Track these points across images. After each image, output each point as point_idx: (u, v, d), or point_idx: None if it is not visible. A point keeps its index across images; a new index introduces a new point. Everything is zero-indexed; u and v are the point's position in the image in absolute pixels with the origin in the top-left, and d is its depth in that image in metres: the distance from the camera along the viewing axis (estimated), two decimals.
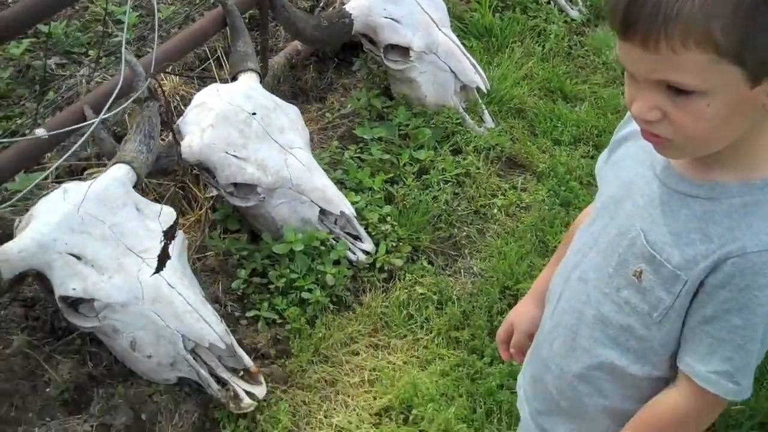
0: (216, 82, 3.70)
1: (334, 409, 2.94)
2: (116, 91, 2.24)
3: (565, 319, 1.69)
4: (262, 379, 2.81)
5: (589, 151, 4.23)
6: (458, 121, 4.14)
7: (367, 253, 3.40)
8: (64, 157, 2.24)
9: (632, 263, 1.48)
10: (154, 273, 2.54)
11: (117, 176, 2.74)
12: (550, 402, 1.81)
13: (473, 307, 3.30)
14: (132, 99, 2.51)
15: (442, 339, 3.20)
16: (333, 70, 4.58)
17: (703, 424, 1.56)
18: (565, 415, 1.79)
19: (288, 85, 4.31)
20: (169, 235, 2.58)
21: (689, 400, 1.50)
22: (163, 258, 2.49)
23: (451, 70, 4.15)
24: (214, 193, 3.48)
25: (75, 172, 3.47)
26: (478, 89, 4.28)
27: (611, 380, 1.63)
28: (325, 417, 2.90)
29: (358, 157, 3.88)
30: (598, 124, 4.38)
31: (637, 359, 1.56)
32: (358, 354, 3.13)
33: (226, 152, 3.16)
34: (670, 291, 1.42)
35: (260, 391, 2.78)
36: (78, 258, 2.57)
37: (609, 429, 1.70)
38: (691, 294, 1.42)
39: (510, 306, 3.33)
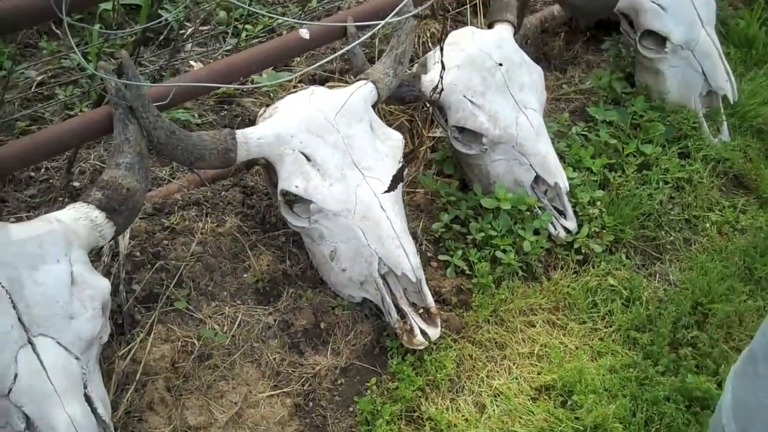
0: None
1: (497, 371, 2.94)
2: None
3: None
4: (438, 321, 2.84)
5: None
6: (695, 125, 3.97)
7: (568, 231, 3.35)
8: (318, 64, 2.30)
9: None
10: (386, 192, 2.61)
11: (362, 92, 2.81)
12: None
13: (660, 313, 3.19)
14: (412, 13, 2.52)
15: (620, 336, 3.13)
16: (581, 44, 4.51)
17: None
18: None
19: (534, 48, 4.28)
20: (408, 158, 2.64)
21: None
22: (397, 179, 2.56)
23: (702, 71, 3.97)
24: (438, 134, 3.52)
25: (317, 81, 3.59)
26: (724, 98, 4.08)
27: None
28: (487, 377, 2.90)
29: (584, 135, 3.82)
30: None
31: None
32: (533, 326, 3.11)
33: (464, 95, 3.18)
34: None
35: (434, 332, 2.80)
36: (308, 158, 2.67)
37: None
38: None
39: (698, 323, 3.21)
